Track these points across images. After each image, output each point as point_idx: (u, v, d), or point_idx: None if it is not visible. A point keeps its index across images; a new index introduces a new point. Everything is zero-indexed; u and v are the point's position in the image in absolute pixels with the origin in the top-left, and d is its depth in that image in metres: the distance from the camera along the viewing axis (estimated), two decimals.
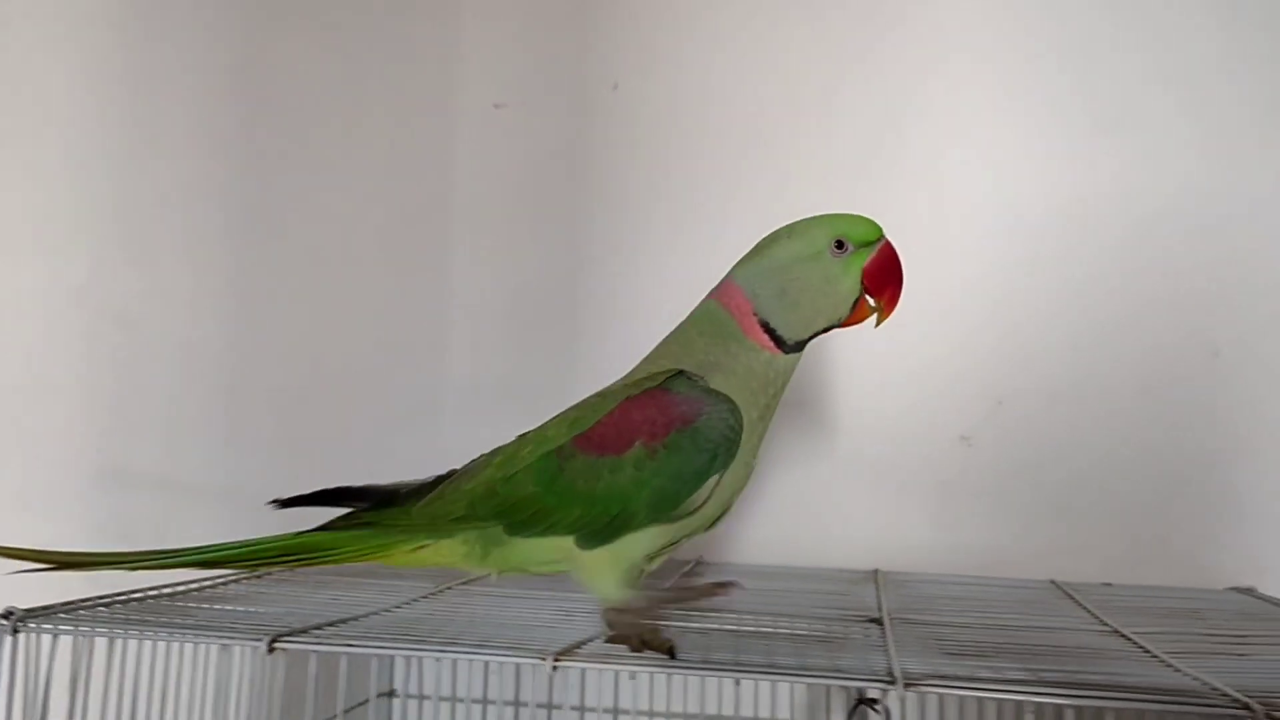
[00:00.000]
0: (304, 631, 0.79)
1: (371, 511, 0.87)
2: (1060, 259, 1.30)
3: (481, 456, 0.88)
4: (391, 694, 1.32)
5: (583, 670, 0.76)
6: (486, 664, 1.23)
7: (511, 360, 1.43)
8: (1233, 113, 1.28)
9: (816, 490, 1.34)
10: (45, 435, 1.31)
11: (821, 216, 0.84)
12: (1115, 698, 0.65)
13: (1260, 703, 0.64)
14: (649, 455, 0.77)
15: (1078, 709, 0.67)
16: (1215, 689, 0.68)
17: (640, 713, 1.23)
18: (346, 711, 1.08)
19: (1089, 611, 1.03)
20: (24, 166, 1.32)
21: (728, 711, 1.17)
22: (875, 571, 1.29)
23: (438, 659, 0.75)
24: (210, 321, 1.41)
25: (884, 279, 0.82)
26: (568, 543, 0.81)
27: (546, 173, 1.44)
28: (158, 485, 1.32)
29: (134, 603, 0.90)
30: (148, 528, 1.30)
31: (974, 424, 1.31)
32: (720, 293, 0.86)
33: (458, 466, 0.90)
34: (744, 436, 0.80)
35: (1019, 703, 0.67)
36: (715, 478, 0.79)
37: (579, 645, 0.77)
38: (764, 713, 1.18)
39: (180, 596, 0.95)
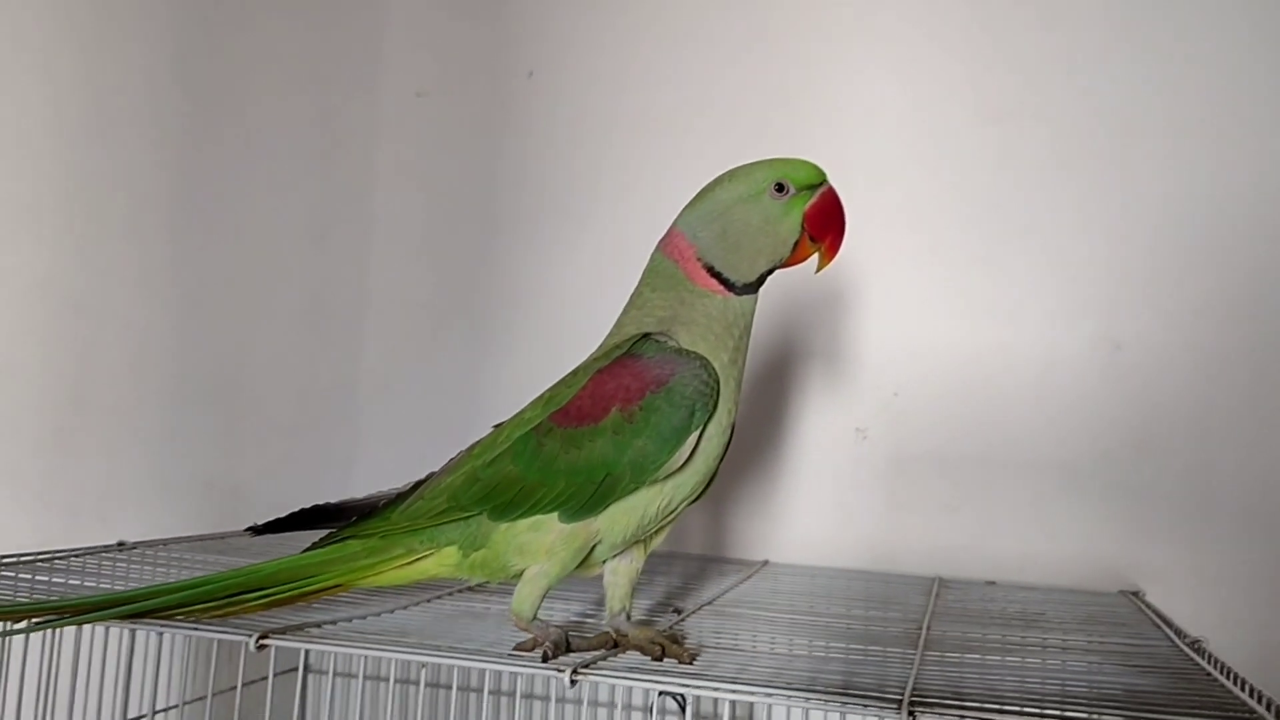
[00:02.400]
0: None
1: (351, 527, 0.86)
2: (953, 251, 1.26)
3: (459, 453, 0.87)
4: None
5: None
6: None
7: (427, 345, 1.46)
8: (1163, 117, 1.22)
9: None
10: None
11: (763, 160, 0.83)
12: (768, 691, 0.64)
13: (915, 699, 0.62)
14: (626, 419, 0.77)
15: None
16: (894, 688, 0.66)
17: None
18: (276, 676, 1.12)
19: (931, 611, 1.00)
20: None
21: None
22: (765, 562, 1.28)
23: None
24: (157, 309, 1.48)
25: (825, 222, 0.82)
26: (553, 520, 0.79)
27: (466, 159, 1.46)
28: (107, 467, 1.38)
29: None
30: (91, 506, 1.36)
31: (869, 416, 1.28)
32: (665, 243, 0.85)
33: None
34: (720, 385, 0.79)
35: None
36: (696, 433, 0.78)
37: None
38: None
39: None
